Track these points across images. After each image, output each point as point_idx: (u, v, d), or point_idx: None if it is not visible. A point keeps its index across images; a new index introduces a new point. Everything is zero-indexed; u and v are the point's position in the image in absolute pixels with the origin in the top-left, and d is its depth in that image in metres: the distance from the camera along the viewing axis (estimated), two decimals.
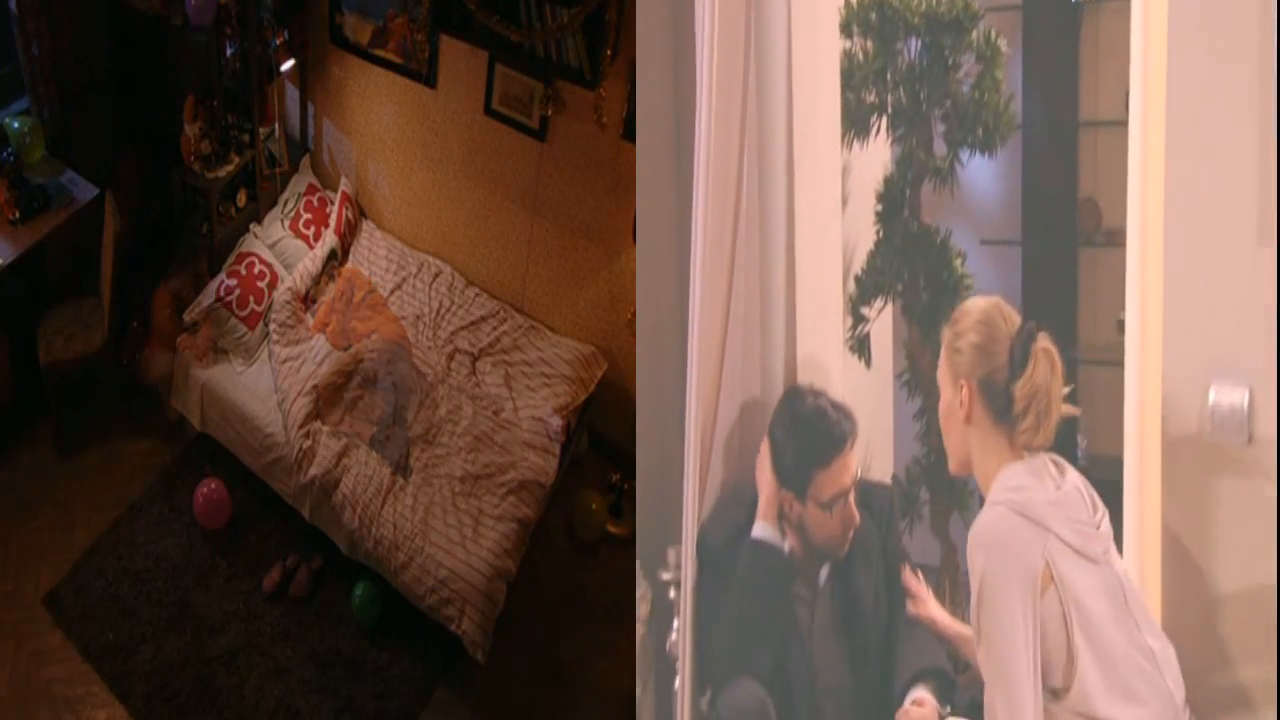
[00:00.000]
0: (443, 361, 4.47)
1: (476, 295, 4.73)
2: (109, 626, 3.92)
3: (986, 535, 1.88)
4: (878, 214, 2.83)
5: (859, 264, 2.84)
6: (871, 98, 2.78)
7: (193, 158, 4.35)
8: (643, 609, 2.45)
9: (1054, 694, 1.86)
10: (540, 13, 3.69)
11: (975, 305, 2.01)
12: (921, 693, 2.18)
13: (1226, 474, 2.08)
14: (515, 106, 4.19)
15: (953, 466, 2.05)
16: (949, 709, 2.13)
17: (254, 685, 3.83)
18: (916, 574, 2.32)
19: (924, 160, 2.78)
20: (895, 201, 2.81)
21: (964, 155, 2.76)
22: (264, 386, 4.30)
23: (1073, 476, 1.96)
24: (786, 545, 2.28)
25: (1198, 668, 2.01)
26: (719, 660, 2.25)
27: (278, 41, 4.44)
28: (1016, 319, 1.96)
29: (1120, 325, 3.32)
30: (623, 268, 4.26)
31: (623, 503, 4.42)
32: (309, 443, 4.06)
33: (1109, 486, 2.36)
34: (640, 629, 2.46)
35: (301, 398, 4.17)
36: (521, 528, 3.97)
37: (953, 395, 1.99)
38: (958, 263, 2.77)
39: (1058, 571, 1.84)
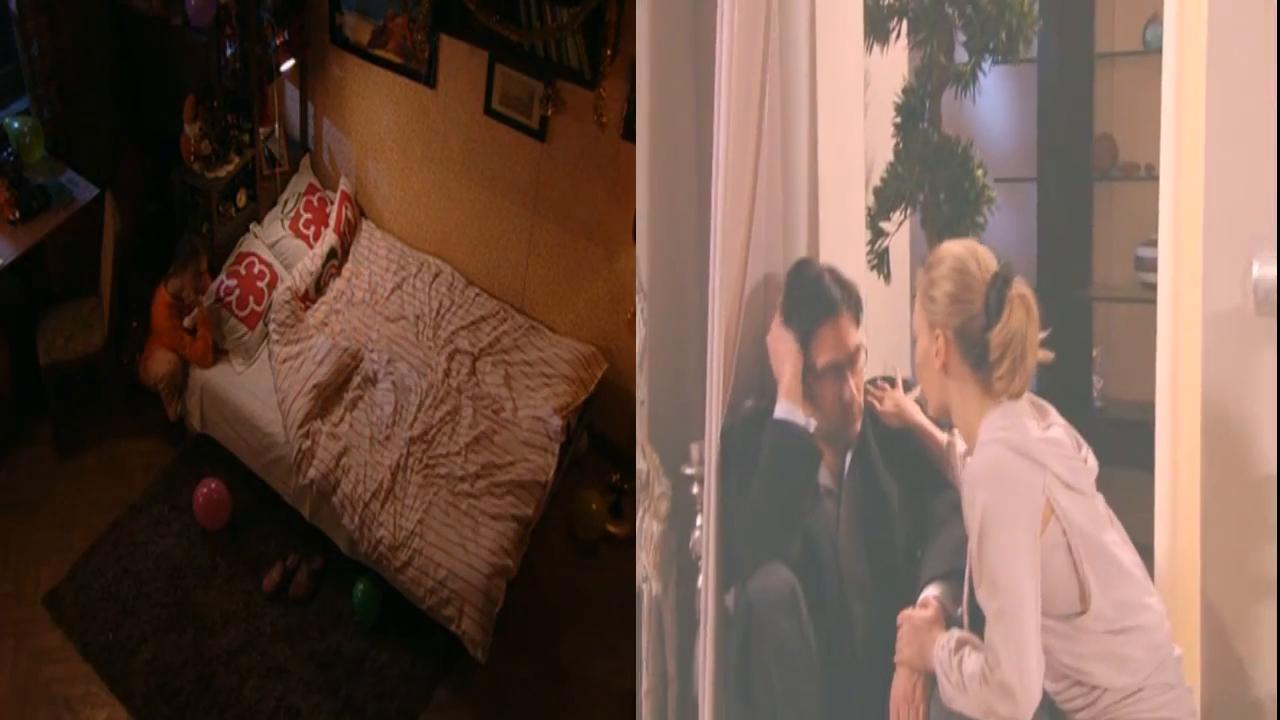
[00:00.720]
0: (443, 361, 4.47)
1: (476, 295, 4.73)
2: (109, 626, 3.92)
3: (987, 472, 1.85)
4: (896, 125, 2.77)
5: (878, 175, 2.78)
6: (891, 0, 2.70)
7: (193, 158, 4.35)
8: (662, 506, 2.37)
9: (1066, 619, 1.85)
10: (540, 13, 3.69)
11: (950, 251, 1.96)
12: (931, 592, 2.11)
13: (1270, 349, 1.98)
14: (515, 106, 4.19)
15: (931, 411, 2.03)
16: (961, 609, 2.08)
17: (254, 685, 3.83)
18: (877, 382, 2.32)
19: (945, 66, 2.70)
20: (915, 111, 2.75)
21: (986, 64, 2.69)
22: (264, 386, 4.30)
23: (1055, 417, 1.95)
24: (810, 425, 2.23)
25: (1244, 545, 1.98)
26: (745, 553, 2.19)
27: (278, 41, 4.44)
28: (992, 264, 1.92)
29: (1139, 261, 3.30)
30: (623, 268, 4.26)
31: (623, 502, 4.42)
32: (309, 443, 4.06)
33: (1126, 427, 2.29)
34: (660, 527, 2.35)
35: (301, 398, 4.16)
36: (521, 526, 3.97)
37: (929, 344, 1.96)
38: (979, 173, 2.70)
39: (1059, 506, 1.83)
